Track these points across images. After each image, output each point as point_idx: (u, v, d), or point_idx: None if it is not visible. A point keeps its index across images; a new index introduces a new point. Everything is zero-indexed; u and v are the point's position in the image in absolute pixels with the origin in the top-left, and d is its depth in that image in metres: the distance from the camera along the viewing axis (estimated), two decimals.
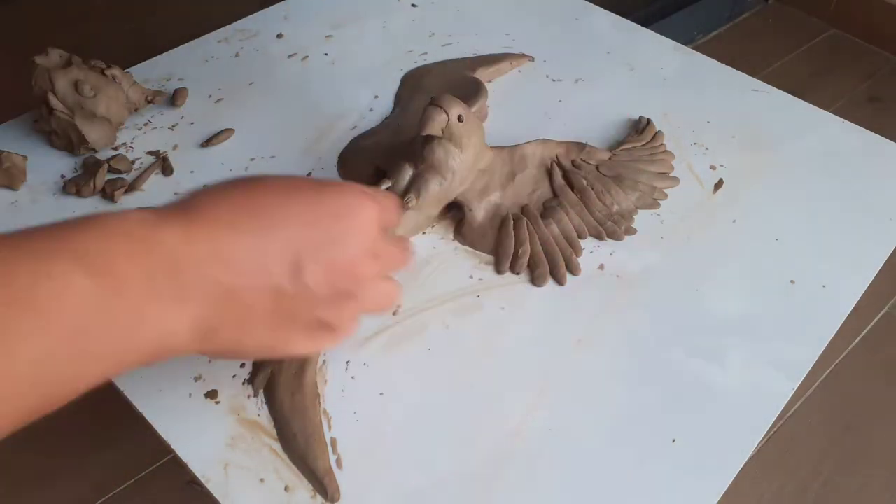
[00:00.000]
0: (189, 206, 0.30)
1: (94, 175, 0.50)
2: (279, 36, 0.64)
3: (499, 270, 0.45)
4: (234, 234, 0.30)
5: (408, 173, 0.46)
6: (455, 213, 0.48)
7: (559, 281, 0.45)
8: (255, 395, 0.40)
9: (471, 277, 0.45)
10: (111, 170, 0.51)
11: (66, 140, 0.52)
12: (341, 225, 0.32)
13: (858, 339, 1.08)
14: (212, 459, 0.37)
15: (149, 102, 0.55)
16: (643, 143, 0.53)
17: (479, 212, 0.47)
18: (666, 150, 0.53)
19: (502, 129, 0.54)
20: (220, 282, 0.29)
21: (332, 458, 0.37)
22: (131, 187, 0.50)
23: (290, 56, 0.62)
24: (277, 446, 0.38)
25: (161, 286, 0.28)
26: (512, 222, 0.47)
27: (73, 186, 0.50)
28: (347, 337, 0.34)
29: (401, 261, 0.36)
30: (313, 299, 0.31)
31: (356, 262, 0.33)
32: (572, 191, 0.48)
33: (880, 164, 0.53)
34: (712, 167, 0.52)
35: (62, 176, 0.51)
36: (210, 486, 0.36)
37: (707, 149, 0.54)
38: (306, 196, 0.32)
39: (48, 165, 0.52)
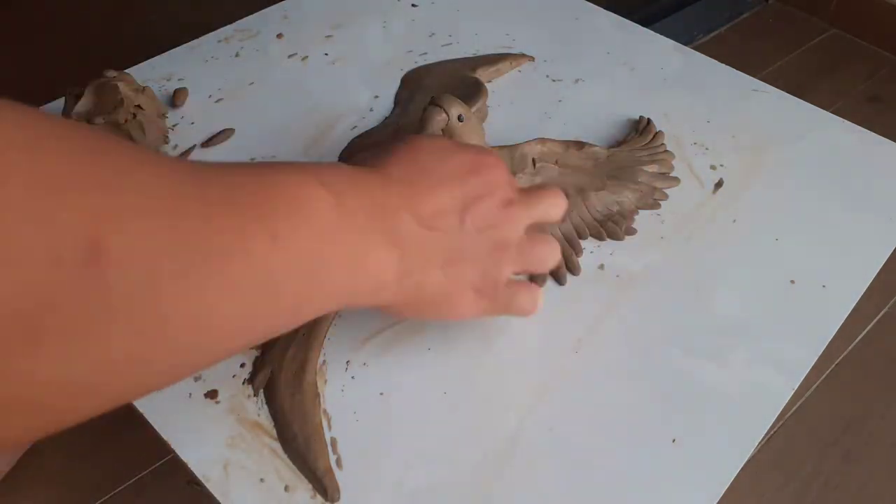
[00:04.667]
0: (369, 164, 0.34)
1: None
2: (279, 36, 0.64)
3: None
4: (415, 188, 0.33)
5: None
6: None
7: (559, 281, 0.45)
8: (255, 395, 0.40)
9: None
10: None
11: None
12: (482, 179, 0.35)
13: (858, 339, 1.08)
14: (212, 459, 0.37)
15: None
16: (643, 143, 0.53)
17: None
18: (666, 150, 0.53)
19: (502, 129, 0.54)
20: (412, 229, 0.32)
21: (332, 458, 0.37)
22: None
23: (290, 56, 0.62)
24: (277, 446, 0.38)
25: (377, 226, 0.31)
26: None
27: None
28: (508, 309, 0.37)
29: (546, 256, 0.38)
30: (476, 246, 0.35)
31: (504, 211, 0.35)
32: (572, 191, 0.48)
33: (880, 164, 0.53)
34: (712, 167, 0.52)
35: None
36: (210, 486, 0.36)
37: (707, 149, 0.54)
38: (453, 155, 0.36)
39: None
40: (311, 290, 0.28)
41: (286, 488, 0.36)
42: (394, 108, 0.57)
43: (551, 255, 0.38)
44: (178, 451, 0.37)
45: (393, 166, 0.34)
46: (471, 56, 0.61)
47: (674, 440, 0.38)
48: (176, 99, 0.57)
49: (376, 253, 0.31)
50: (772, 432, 0.89)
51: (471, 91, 0.55)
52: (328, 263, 0.29)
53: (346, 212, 0.29)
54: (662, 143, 0.53)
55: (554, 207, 0.39)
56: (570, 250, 0.46)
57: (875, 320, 1.11)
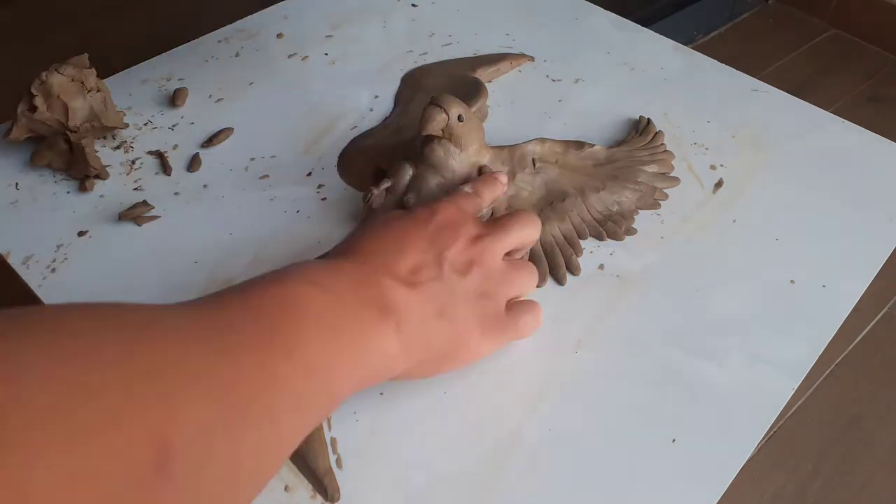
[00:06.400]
0: (335, 256, 0.36)
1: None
2: (279, 36, 0.64)
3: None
4: (385, 257, 0.35)
5: (408, 173, 0.46)
6: None
7: (559, 281, 0.45)
8: None
9: None
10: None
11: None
12: (441, 224, 0.37)
13: (858, 339, 1.08)
14: None
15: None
16: (643, 143, 0.53)
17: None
18: (666, 150, 0.53)
19: (502, 129, 0.54)
20: (398, 292, 0.33)
21: (332, 458, 0.37)
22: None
23: (290, 56, 0.62)
24: None
25: (365, 301, 0.32)
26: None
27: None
28: (518, 332, 0.39)
29: (528, 280, 0.41)
30: (464, 287, 0.36)
31: (476, 247, 0.37)
32: (572, 191, 0.48)
33: (880, 164, 0.53)
34: (712, 167, 0.52)
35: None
36: None
37: (707, 149, 0.54)
38: (404, 218, 0.38)
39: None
40: (330, 395, 0.30)
41: (286, 488, 0.36)
42: (394, 108, 0.57)
43: (531, 278, 0.41)
44: None
45: (358, 250, 0.35)
46: (471, 56, 0.61)
47: (674, 440, 0.38)
48: (176, 99, 0.57)
49: (374, 331, 0.32)
50: (772, 432, 0.89)
51: (471, 91, 0.55)
52: (338, 362, 0.30)
53: (338, 301, 0.31)
54: (662, 143, 0.53)
55: (527, 229, 0.41)
56: (570, 250, 0.46)
57: (875, 320, 1.11)
